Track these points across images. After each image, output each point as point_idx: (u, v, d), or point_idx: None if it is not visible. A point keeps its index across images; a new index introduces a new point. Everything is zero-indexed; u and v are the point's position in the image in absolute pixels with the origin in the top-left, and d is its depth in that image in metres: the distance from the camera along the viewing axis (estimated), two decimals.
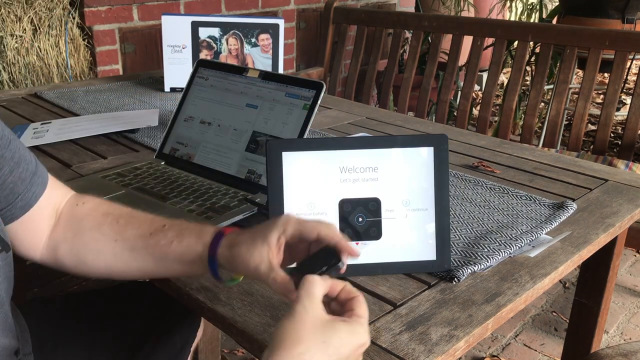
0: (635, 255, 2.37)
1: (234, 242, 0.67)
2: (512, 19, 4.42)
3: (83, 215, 0.78)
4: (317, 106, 1.01)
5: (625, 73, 1.96)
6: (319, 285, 0.59)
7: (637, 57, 2.73)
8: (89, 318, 0.96)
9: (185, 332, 1.02)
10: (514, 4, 4.29)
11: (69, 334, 0.92)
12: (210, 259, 0.69)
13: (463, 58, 2.36)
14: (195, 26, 1.69)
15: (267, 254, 0.64)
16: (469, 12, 3.99)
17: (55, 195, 0.79)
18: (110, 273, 0.77)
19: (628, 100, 3.76)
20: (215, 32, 1.71)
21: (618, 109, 2.40)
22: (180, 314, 1.01)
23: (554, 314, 2.00)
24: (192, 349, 1.04)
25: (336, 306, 0.62)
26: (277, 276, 0.63)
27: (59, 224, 0.78)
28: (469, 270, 0.80)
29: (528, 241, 0.89)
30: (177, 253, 0.72)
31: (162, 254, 0.73)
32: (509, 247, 0.87)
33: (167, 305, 1.00)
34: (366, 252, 0.79)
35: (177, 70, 1.71)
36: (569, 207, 0.99)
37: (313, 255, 0.65)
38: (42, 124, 1.41)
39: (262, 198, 0.97)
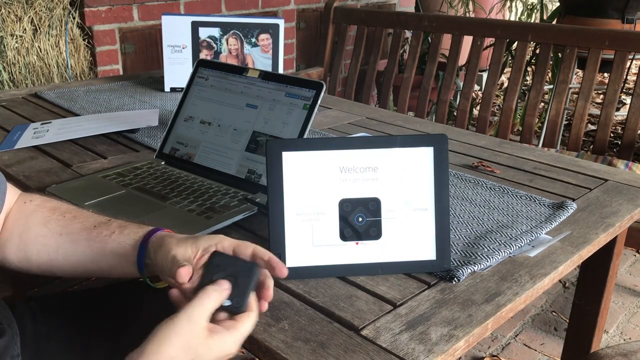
0: (635, 255, 2.37)
1: (170, 235, 0.72)
2: (512, 19, 4.43)
3: (31, 212, 0.81)
4: (317, 106, 1.01)
5: (625, 73, 1.97)
6: (213, 301, 0.63)
7: (636, 57, 2.73)
8: (85, 317, 0.95)
9: None
10: (514, 4, 4.29)
11: (66, 333, 0.91)
12: (142, 245, 0.73)
13: (463, 58, 2.36)
14: (195, 26, 1.69)
15: (191, 250, 0.69)
16: (472, 13, 3.99)
17: (8, 199, 0.81)
18: (50, 268, 0.80)
19: (628, 100, 3.76)
20: (215, 32, 1.71)
21: (618, 109, 2.40)
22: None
23: (554, 313, 2.00)
24: None
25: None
26: (185, 269, 0.66)
27: (7, 222, 0.80)
28: (469, 270, 0.80)
29: (528, 241, 0.89)
30: (116, 243, 0.75)
31: (101, 245, 0.76)
32: (509, 247, 0.87)
33: (165, 306, 1.00)
34: (366, 252, 0.79)
35: (177, 70, 1.71)
36: (568, 207, 0.99)
37: (229, 264, 0.68)
38: (42, 124, 1.41)
39: (262, 198, 0.97)
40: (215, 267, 0.67)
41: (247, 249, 0.69)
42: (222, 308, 0.65)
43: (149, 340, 0.61)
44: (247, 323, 0.65)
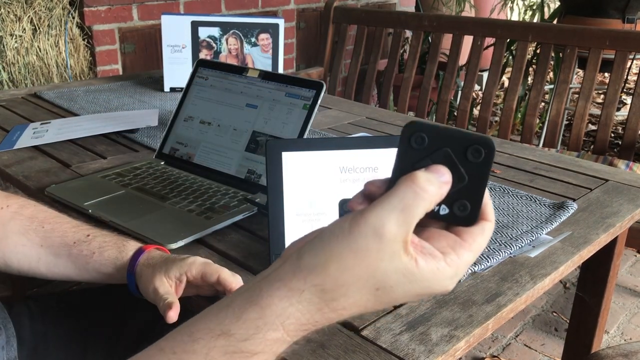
0: (636, 256, 2.36)
1: (147, 263, 0.74)
2: (513, 19, 4.43)
3: (8, 219, 0.81)
4: (317, 106, 1.01)
5: (626, 73, 1.96)
6: (422, 199, 0.38)
7: (637, 57, 2.73)
8: (84, 317, 0.95)
9: None
10: (514, 4, 4.29)
11: (64, 333, 0.91)
12: (130, 274, 0.75)
13: (463, 58, 2.35)
14: (195, 26, 1.69)
15: (166, 280, 0.71)
16: (470, 12, 3.99)
17: None
18: (34, 274, 0.82)
19: (628, 100, 3.76)
20: (215, 31, 1.70)
21: (618, 109, 2.40)
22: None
23: (554, 314, 2.00)
24: None
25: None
26: (174, 311, 0.67)
27: None
28: (470, 270, 0.80)
29: (528, 241, 0.89)
30: (98, 264, 0.77)
31: (83, 263, 0.78)
32: (510, 247, 0.87)
33: None
34: None
35: (176, 70, 1.71)
36: (569, 207, 0.99)
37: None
38: (41, 123, 1.41)
39: (262, 198, 0.97)
40: (415, 150, 0.40)
41: (213, 275, 0.70)
42: (432, 215, 0.39)
43: (303, 252, 0.40)
44: (478, 241, 0.40)
